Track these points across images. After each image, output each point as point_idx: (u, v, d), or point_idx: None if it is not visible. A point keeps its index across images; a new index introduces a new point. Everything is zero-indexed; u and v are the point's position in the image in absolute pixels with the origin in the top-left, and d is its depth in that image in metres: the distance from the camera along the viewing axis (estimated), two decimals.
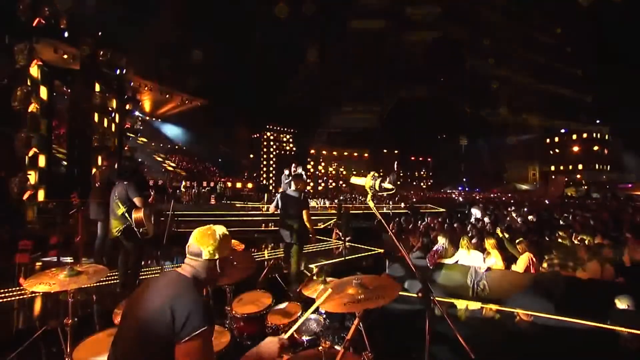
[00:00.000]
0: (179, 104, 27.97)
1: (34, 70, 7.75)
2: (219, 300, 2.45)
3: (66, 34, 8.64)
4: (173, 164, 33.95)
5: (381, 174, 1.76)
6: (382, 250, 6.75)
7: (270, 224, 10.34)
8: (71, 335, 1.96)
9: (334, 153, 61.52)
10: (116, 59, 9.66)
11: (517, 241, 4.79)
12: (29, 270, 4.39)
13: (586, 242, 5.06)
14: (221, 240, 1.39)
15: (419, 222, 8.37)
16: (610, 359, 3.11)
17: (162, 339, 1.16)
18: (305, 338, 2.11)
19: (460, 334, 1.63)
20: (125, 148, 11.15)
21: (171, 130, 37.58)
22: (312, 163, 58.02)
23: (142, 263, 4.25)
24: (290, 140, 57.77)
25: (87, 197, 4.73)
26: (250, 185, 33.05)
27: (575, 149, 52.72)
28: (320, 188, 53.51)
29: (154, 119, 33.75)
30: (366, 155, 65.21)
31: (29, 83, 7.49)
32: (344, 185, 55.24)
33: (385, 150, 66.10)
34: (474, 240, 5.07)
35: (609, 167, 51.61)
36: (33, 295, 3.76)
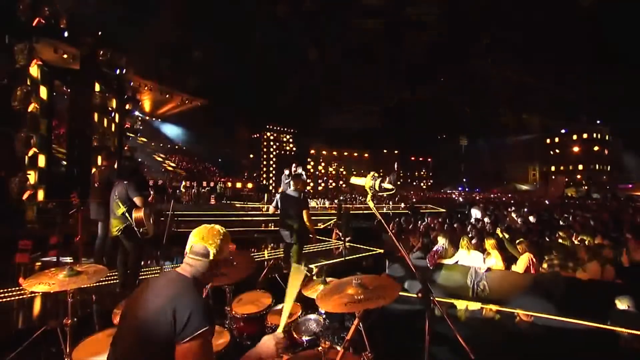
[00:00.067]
0: (179, 103, 27.98)
1: (34, 70, 7.75)
2: (219, 301, 2.45)
3: (66, 34, 8.64)
4: (173, 164, 33.96)
5: (381, 174, 1.75)
6: (382, 251, 6.75)
7: (270, 224, 10.34)
8: (71, 336, 1.95)
9: (334, 153, 61.54)
10: (116, 59, 9.66)
11: (517, 241, 4.79)
12: (29, 270, 4.38)
13: (586, 242, 5.06)
14: (224, 240, 1.40)
15: (419, 222, 8.37)
16: None
17: (163, 339, 1.16)
18: (305, 338, 2.11)
19: (460, 334, 1.63)
20: (125, 148, 11.14)
21: (171, 130, 37.60)
22: (312, 163, 58.03)
23: (142, 263, 4.24)
24: (290, 140, 57.78)
25: (87, 197, 4.73)
26: (250, 185, 33.06)
27: (575, 149, 52.73)
28: (320, 188, 53.53)
29: (153, 118, 33.76)
30: (366, 155, 65.24)
31: (28, 83, 7.49)
32: (344, 185, 55.26)
33: (385, 150, 66.13)
34: (474, 241, 5.07)
35: (609, 167, 51.61)
36: (32, 295, 3.76)
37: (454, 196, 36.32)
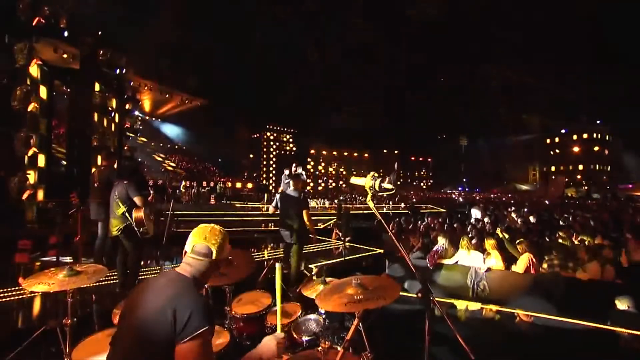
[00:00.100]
0: (178, 103, 27.99)
1: (34, 70, 7.74)
2: (219, 301, 2.45)
3: (66, 34, 8.63)
4: (173, 164, 33.95)
5: (381, 174, 1.75)
6: (382, 251, 6.74)
7: (270, 224, 10.34)
8: (70, 335, 1.95)
9: (334, 153, 61.55)
10: (116, 59, 9.65)
11: (517, 242, 4.78)
12: (28, 270, 4.38)
13: (586, 242, 5.06)
14: (225, 239, 1.41)
15: (419, 222, 8.37)
16: None
17: (162, 339, 1.16)
18: (304, 338, 2.11)
19: (460, 334, 1.62)
20: (125, 148, 11.13)
21: (171, 130, 37.60)
22: (312, 163, 58.05)
23: (142, 263, 4.24)
24: (290, 140, 57.79)
25: (87, 197, 4.72)
26: (250, 185, 33.07)
27: (575, 149, 52.73)
28: (320, 188, 53.54)
29: (153, 118, 33.75)
30: (366, 155, 65.25)
31: (28, 82, 7.48)
32: (344, 185, 55.27)
33: (385, 150, 66.15)
34: (474, 241, 5.07)
35: (609, 167, 51.62)
36: (32, 295, 3.76)
37: (454, 196, 36.32)
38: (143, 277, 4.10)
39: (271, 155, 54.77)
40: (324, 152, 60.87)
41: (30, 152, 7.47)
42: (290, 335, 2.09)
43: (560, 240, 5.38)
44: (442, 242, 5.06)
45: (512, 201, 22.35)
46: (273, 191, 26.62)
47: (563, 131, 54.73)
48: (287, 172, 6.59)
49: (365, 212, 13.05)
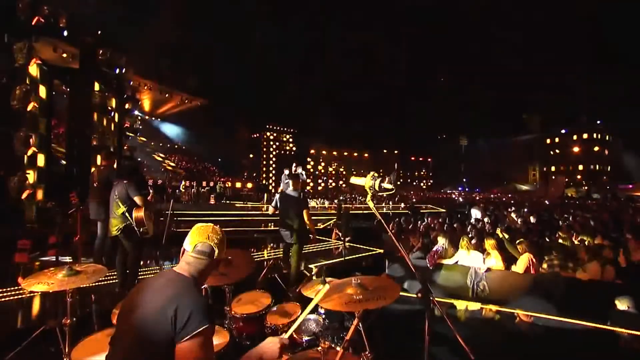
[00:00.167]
0: (178, 103, 27.97)
1: (33, 69, 7.71)
2: (218, 300, 2.45)
3: (65, 33, 8.62)
4: (172, 164, 33.91)
5: (381, 174, 1.75)
6: (381, 251, 6.74)
7: (270, 224, 10.34)
8: (70, 335, 1.94)
9: (334, 153, 61.57)
10: (116, 58, 9.63)
11: (517, 242, 4.78)
12: (28, 270, 4.37)
13: (586, 242, 5.06)
14: (224, 238, 1.42)
15: (419, 222, 8.37)
16: None
17: (163, 339, 1.16)
18: (304, 338, 2.11)
19: (459, 334, 1.62)
20: (125, 147, 11.12)
21: (171, 130, 37.58)
22: (312, 163, 58.06)
23: (141, 263, 4.24)
24: (290, 140, 57.79)
25: (86, 196, 4.71)
26: (250, 185, 33.07)
27: (575, 149, 52.72)
28: (320, 188, 53.55)
29: (153, 118, 33.73)
30: (366, 155, 65.27)
31: (28, 82, 7.45)
32: (343, 185, 55.27)
33: (385, 150, 66.19)
34: (473, 241, 5.07)
35: (609, 167, 51.63)
36: (32, 294, 3.75)
37: (454, 196, 36.31)
38: (142, 277, 4.09)
39: (271, 155, 54.77)
40: (324, 152, 60.88)
41: (29, 152, 7.46)
42: (290, 336, 2.09)
43: (560, 241, 5.38)
44: (442, 242, 5.06)
45: (512, 201, 22.35)
46: (273, 191, 26.62)
47: (563, 131, 54.74)
48: (287, 172, 6.59)
49: (365, 212, 13.05)
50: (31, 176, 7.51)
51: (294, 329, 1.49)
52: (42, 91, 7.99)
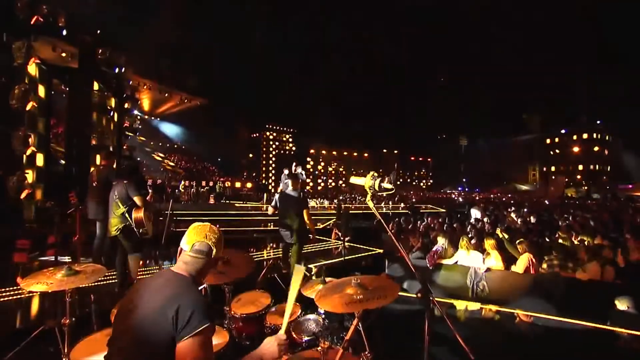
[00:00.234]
0: (177, 103, 27.95)
1: (32, 69, 7.69)
2: (218, 300, 2.44)
3: (64, 32, 8.60)
4: (172, 163, 33.88)
5: (381, 173, 1.74)
6: (381, 251, 6.74)
7: (269, 224, 10.33)
8: (69, 335, 1.94)
9: (334, 153, 61.58)
10: (115, 58, 9.61)
11: (517, 242, 4.78)
12: (27, 270, 4.36)
13: (586, 242, 5.06)
14: (221, 238, 1.42)
15: (419, 222, 8.37)
16: None
17: (162, 339, 1.15)
18: (304, 338, 2.10)
19: (459, 334, 1.62)
20: (124, 147, 11.11)
21: (170, 129, 37.55)
22: (311, 163, 58.08)
23: (141, 263, 4.23)
24: (290, 139, 57.79)
25: (85, 196, 4.70)
26: (249, 184, 33.08)
27: (575, 149, 52.75)
28: (319, 188, 53.57)
29: (152, 117, 33.70)
30: (366, 155, 65.28)
31: (27, 81, 7.44)
32: (343, 185, 55.28)
33: (385, 150, 66.21)
34: (473, 241, 5.07)
35: (609, 167, 51.67)
36: (31, 294, 3.74)
37: (453, 196, 36.32)
38: (142, 277, 4.09)
39: (271, 155, 54.76)
40: (324, 152, 60.89)
41: (28, 151, 7.44)
42: (289, 335, 2.08)
43: (560, 241, 5.38)
44: (441, 242, 5.06)
45: (512, 201, 22.36)
46: (272, 191, 26.62)
47: (563, 131, 54.78)
48: (286, 171, 6.58)
49: (364, 211, 13.05)
50: (30, 176, 7.50)
51: (286, 322, 1.50)
52: (41, 90, 7.97)
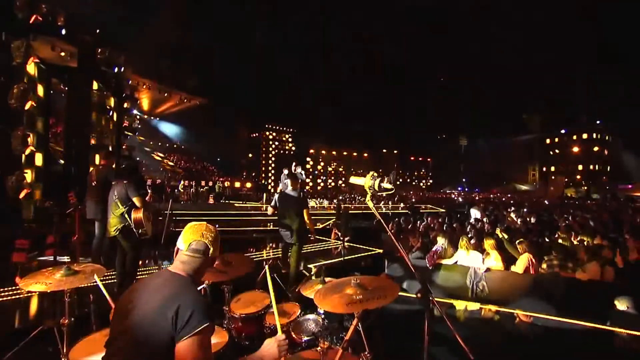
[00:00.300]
0: (177, 102, 27.92)
1: (31, 68, 7.67)
2: (218, 300, 2.43)
3: (64, 32, 8.58)
4: (171, 163, 33.86)
5: (380, 173, 1.74)
6: (381, 251, 6.74)
7: (269, 224, 10.32)
8: (68, 335, 1.94)
9: (334, 153, 61.58)
10: (114, 57, 9.59)
11: (517, 242, 4.78)
12: (26, 270, 4.36)
13: (586, 243, 5.06)
14: (218, 237, 1.42)
15: (419, 222, 8.37)
16: None
17: (161, 339, 1.15)
18: (304, 338, 2.10)
19: (459, 334, 1.61)
20: (124, 147, 11.09)
21: (170, 129, 37.53)
22: (311, 162, 58.08)
23: (140, 263, 4.22)
24: (290, 139, 57.77)
25: (84, 196, 4.69)
26: (249, 184, 33.07)
27: (575, 149, 52.79)
28: (319, 188, 53.58)
29: (152, 117, 33.67)
30: (366, 155, 65.29)
31: (25, 81, 7.42)
32: (343, 184, 55.29)
33: (385, 150, 66.23)
34: (473, 241, 5.07)
35: (609, 167, 51.72)
36: (29, 294, 3.73)
37: (453, 196, 36.35)
38: (141, 277, 4.08)
39: (270, 155, 54.74)
40: (324, 152, 60.88)
41: (27, 151, 7.43)
42: (289, 336, 2.08)
43: (559, 241, 5.38)
44: (441, 242, 5.06)
45: (511, 201, 22.38)
46: (272, 190, 26.62)
47: (563, 131, 54.81)
48: (286, 171, 6.57)
49: (364, 211, 13.05)
50: (29, 175, 7.48)
51: (278, 323, 1.50)
52: (40, 90, 7.95)
